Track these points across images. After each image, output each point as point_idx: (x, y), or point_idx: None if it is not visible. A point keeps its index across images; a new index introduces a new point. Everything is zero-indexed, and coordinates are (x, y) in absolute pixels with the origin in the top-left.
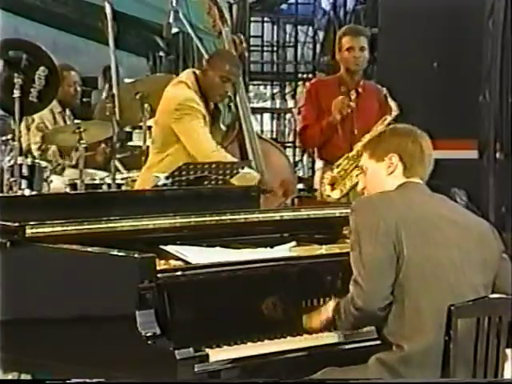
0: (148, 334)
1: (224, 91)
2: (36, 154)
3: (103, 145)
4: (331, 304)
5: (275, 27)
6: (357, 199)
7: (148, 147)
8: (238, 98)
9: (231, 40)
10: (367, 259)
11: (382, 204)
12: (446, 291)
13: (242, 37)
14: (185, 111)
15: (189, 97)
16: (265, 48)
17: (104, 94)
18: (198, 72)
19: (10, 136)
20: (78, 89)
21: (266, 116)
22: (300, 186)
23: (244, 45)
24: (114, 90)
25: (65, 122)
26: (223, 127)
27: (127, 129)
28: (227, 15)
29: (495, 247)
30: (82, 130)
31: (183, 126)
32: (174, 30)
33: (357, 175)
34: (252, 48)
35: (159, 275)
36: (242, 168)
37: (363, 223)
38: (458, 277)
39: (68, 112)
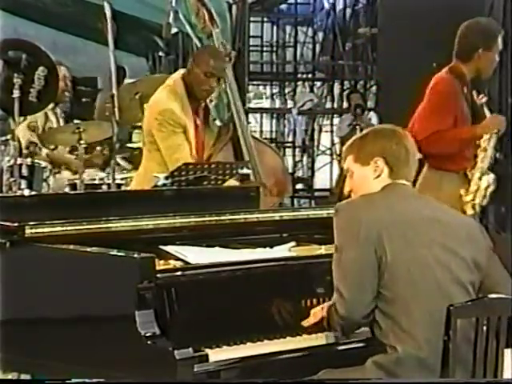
0: (147, 334)
1: (210, 86)
2: (24, 151)
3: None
4: (325, 306)
5: (275, 27)
6: (340, 202)
7: None
8: (231, 99)
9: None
10: (348, 265)
11: (363, 207)
12: (433, 291)
13: (230, 47)
14: (164, 123)
15: (168, 108)
16: (264, 48)
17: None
18: (185, 74)
19: (9, 136)
20: (69, 84)
21: (266, 116)
22: (300, 186)
23: (232, 54)
24: (114, 90)
25: (57, 119)
26: (218, 123)
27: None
28: (226, 15)
29: (483, 245)
30: (81, 130)
31: (161, 139)
32: (174, 30)
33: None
34: (251, 48)
35: (159, 275)
36: (242, 168)
37: (345, 227)
38: (445, 276)
39: (58, 110)
